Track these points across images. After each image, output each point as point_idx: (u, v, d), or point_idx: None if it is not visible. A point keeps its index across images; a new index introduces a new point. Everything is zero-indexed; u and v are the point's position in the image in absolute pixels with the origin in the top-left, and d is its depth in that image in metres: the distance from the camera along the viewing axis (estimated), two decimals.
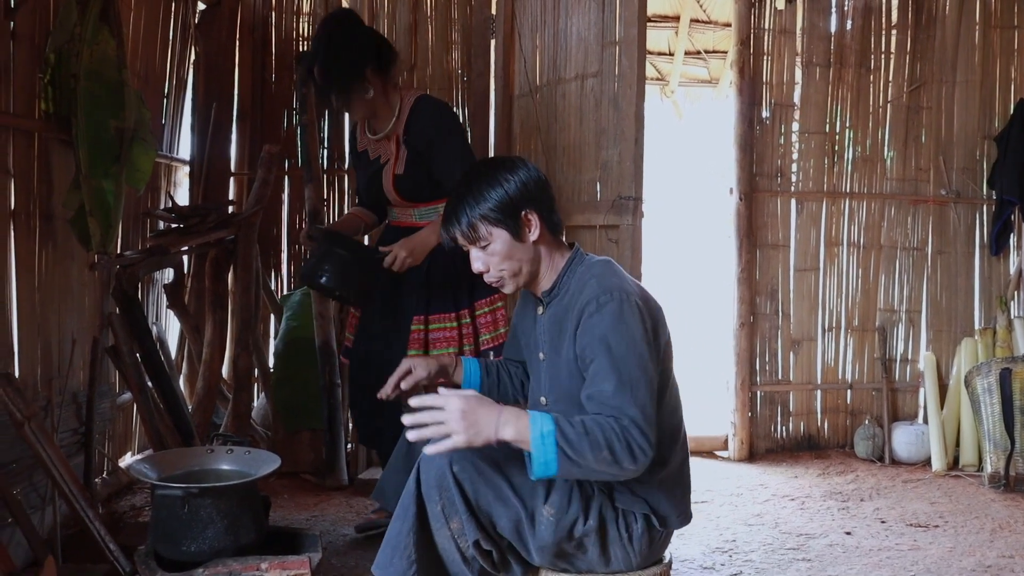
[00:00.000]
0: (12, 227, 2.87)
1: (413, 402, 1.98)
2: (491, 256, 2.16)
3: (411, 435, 1.97)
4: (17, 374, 2.86)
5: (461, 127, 3.32)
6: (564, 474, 1.94)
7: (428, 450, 1.96)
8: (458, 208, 2.15)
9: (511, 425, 1.93)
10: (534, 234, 2.15)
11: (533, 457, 1.93)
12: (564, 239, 2.27)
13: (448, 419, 1.92)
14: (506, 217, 2.12)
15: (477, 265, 2.20)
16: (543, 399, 2.26)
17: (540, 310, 2.26)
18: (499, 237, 2.13)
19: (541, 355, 2.26)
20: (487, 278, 2.21)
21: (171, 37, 4.14)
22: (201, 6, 4.45)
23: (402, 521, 2.06)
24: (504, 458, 2.07)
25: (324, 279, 3.03)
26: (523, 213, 2.13)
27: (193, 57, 4.44)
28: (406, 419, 1.97)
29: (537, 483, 2.06)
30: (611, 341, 2.00)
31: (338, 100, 3.18)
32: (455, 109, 4.58)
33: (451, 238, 2.20)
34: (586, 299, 2.07)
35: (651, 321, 2.08)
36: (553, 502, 2.07)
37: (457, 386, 2.40)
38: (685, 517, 2.25)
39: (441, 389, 2.02)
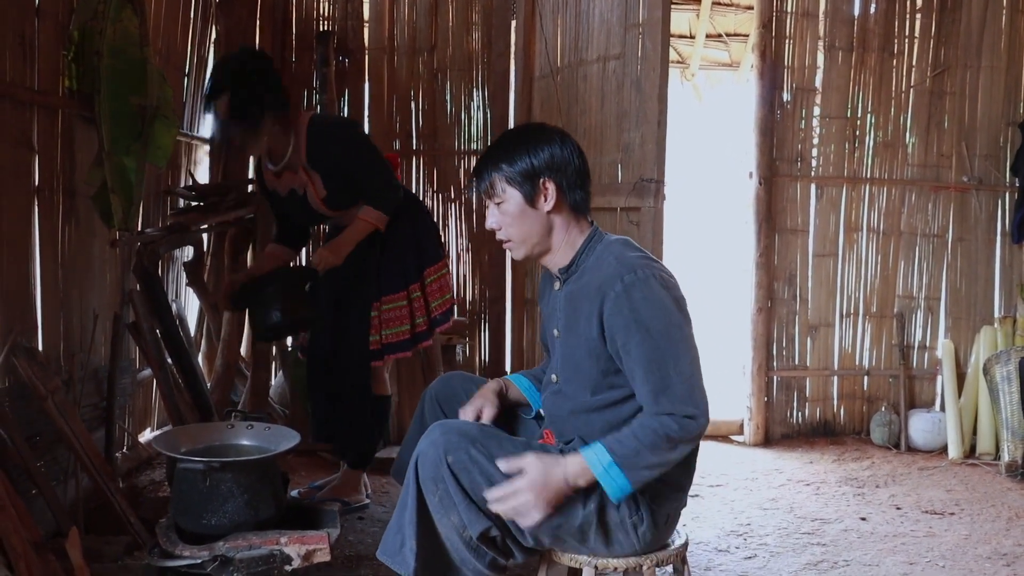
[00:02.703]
0: (36, 203, 2.89)
1: (501, 465, 2.03)
2: (504, 215, 2.19)
3: (496, 507, 2.03)
4: (40, 349, 2.89)
5: (360, 136, 3.39)
6: (642, 484, 2.04)
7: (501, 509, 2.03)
8: (484, 163, 2.21)
9: (579, 477, 2.02)
10: (548, 204, 2.17)
11: (608, 489, 2.02)
12: (589, 218, 2.27)
13: (523, 499, 1.99)
14: (524, 180, 2.16)
15: (490, 222, 2.23)
16: (554, 377, 2.28)
17: (557, 286, 2.27)
18: (513, 198, 2.17)
19: (556, 332, 2.27)
20: (498, 235, 2.25)
21: (192, 16, 4.15)
22: None
23: (403, 510, 2.08)
24: (497, 444, 2.09)
25: (277, 318, 3.13)
26: (541, 180, 2.16)
27: (214, 36, 4.44)
28: (489, 496, 2.02)
29: None
30: (648, 322, 2.03)
31: (239, 138, 3.25)
32: (475, 90, 4.59)
33: (475, 189, 2.28)
34: (607, 278, 2.09)
35: (678, 290, 2.12)
36: None
37: (516, 404, 2.45)
38: (684, 499, 2.25)
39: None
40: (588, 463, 2.00)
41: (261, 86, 3.12)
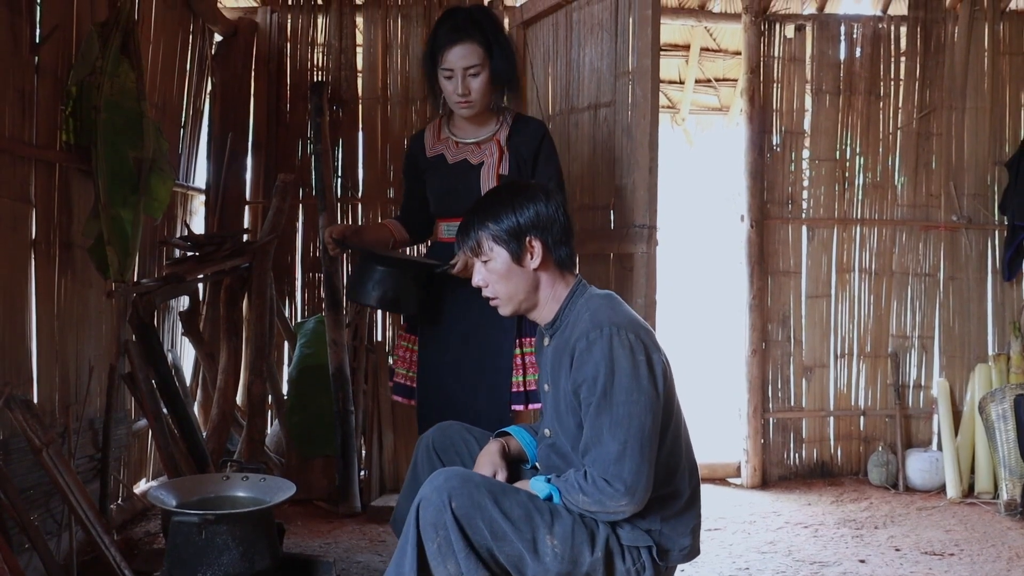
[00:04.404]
0: (33, 255, 2.91)
1: None
2: (490, 273, 2.25)
3: None
4: (36, 400, 2.89)
5: (554, 150, 3.16)
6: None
7: None
8: (470, 221, 2.26)
9: None
10: (534, 262, 2.22)
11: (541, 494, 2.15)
12: (575, 272, 2.32)
13: None
14: (510, 239, 2.21)
15: (477, 279, 2.28)
16: (547, 431, 2.31)
17: (546, 341, 2.32)
18: (499, 256, 2.22)
19: (546, 387, 2.31)
20: (485, 293, 2.29)
21: (188, 68, 4.21)
22: (218, 38, 4.53)
23: (402, 558, 2.07)
24: (502, 492, 2.09)
25: (375, 300, 2.93)
26: (527, 238, 2.21)
27: (209, 88, 4.51)
28: None
29: (537, 514, 2.07)
30: (599, 379, 2.06)
31: (483, 87, 2.94)
32: None
33: (461, 248, 2.32)
34: (578, 335, 2.13)
35: (644, 353, 2.10)
36: (557, 533, 2.08)
37: (518, 459, 2.46)
38: (692, 551, 2.24)
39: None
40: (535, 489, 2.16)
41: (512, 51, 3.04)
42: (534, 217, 2.21)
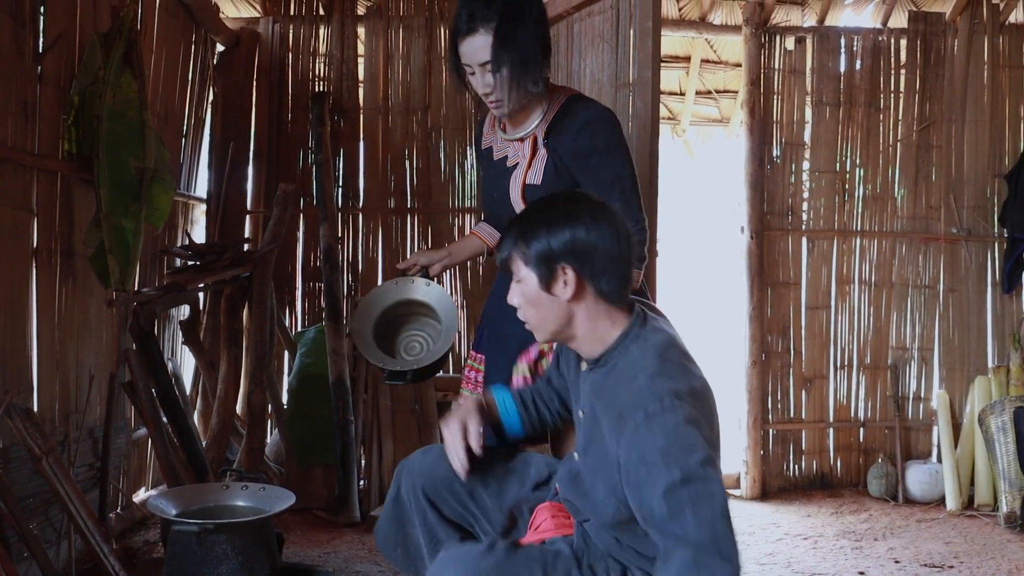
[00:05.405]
0: (34, 264, 2.92)
1: None
2: (522, 296, 1.96)
3: None
4: (36, 409, 2.90)
5: (623, 140, 2.54)
6: None
7: None
8: (505, 236, 1.99)
9: None
10: (566, 293, 1.89)
11: None
12: (628, 309, 1.96)
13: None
14: (540, 263, 1.90)
15: (511, 299, 2.00)
16: (576, 455, 2.04)
17: (584, 366, 2.02)
18: (528, 280, 1.93)
19: (580, 413, 2.03)
20: (519, 314, 2.02)
21: (190, 78, 4.23)
22: (220, 48, 4.55)
23: None
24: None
25: (407, 379, 2.67)
26: (559, 266, 1.89)
27: (211, 97, 4.52)
28: None
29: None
30: (676, 466, 1.69)
31: (505, 84, 2.43)
32: (469, 148, 4.65)
33: (497, 258, 2.04)
34: (633, 401, 1.79)
35: (707, 421, 1.80)
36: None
37: (498, 423, 2.22)
38: None
39: None
40: None
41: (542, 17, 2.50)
42: (569, 242, 1.88)
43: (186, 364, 4.37)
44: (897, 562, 3.72)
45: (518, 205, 2.54)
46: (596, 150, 2.43)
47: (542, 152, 2.51)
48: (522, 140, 2.56)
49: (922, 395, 4.92)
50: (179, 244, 4.13)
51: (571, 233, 1.89)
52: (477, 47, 2.42)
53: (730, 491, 4.80)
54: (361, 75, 4.72)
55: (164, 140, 3.47)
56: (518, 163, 2.55)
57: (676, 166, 6.86)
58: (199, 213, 4.54)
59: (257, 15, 4.74)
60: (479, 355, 2.69)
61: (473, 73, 2.47)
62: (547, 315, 1.94)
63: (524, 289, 1.94)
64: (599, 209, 1.93)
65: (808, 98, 4.88)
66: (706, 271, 9.37)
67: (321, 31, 4.67)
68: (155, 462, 3.85)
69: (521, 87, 2.44)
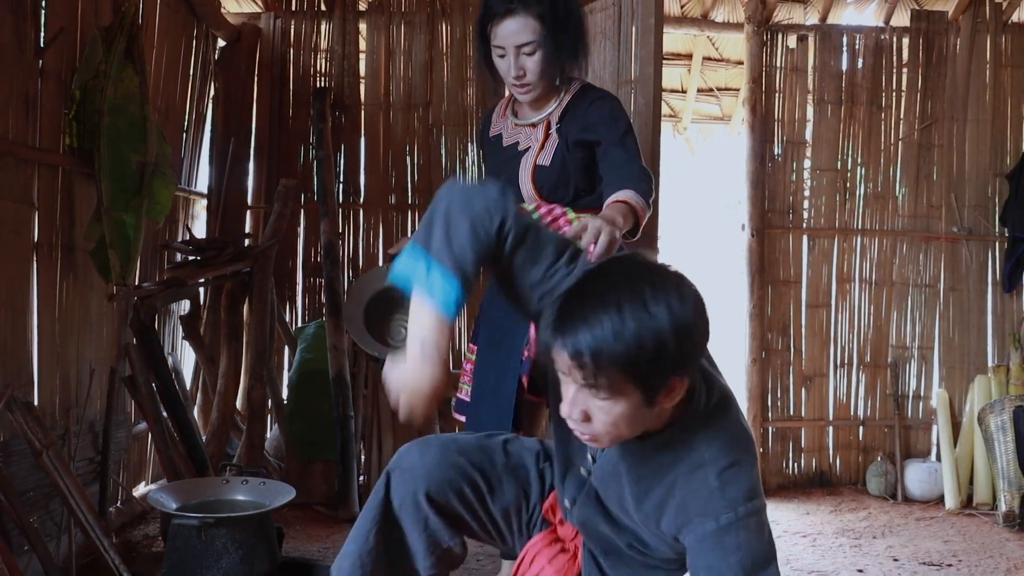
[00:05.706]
0: (35, 258, 2.92)
1: None
2: (603, 413, 1.57)
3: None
4: (36, 402, 2.90)
5: (625, 115, 2.67)
6: None
7: None
8: (596, 346, 1.50)
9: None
10: (672, 400, 1.60)
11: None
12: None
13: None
14: (652, 376, 1.53)
15: (574, 412, 1.59)
16: (567, 503, 1.86)
17: None
18: (629, 397, 1.54)
19: (583, 471, 1.81)
20: (577, 427, 1.63)
21: (191, 73, 4.23)
22: (221, 43, 4.55)
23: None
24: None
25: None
26: (672, 379, 1.55)
27: (212, 92, 4.52)
28: None
29: None
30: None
31: (540, 66, 2.54)
32: (470, 144, 4.65)
33: (574, 366, 1.53)
34: (702, 507, 1.62)
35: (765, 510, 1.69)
36: None
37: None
38: None
39: None
40: None
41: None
42: (690, 349, 1.55)
43: (186, 359, 4.37)
44: (896, 560, 3.73)
45: (527, 187, 2.63)
46: (602, 119, 2.57)
47: (554, 136, 2.61)
48: (534, 125, 2.67)
49: (922, 394, 4.92)
50: (180, 239, 4.13)
51: (691, 340, 1.55)
52: (516, 29, 2.49)
53: None
54: (362, 71, 4.71)
55: (165, 135, 3.46)
56: (530, 147, 2.65)
57: (677, 163, 6.86)
58: (200, 208, 4.54)
59: (259, 10, 4.74)
60: (476, 347, 2.73)
61: (503, 56, 2.54)
62: (636, 427, 1.62)
63: (615, 407, 1.56)
64: (685, 287, 1.60)
65: (810, 96, 4.87)
66: (707, 268, 9.37)
67: (322, 27, 4.66)
68: (155, 456, 3.86)
69: (555, 70, 2.57)
